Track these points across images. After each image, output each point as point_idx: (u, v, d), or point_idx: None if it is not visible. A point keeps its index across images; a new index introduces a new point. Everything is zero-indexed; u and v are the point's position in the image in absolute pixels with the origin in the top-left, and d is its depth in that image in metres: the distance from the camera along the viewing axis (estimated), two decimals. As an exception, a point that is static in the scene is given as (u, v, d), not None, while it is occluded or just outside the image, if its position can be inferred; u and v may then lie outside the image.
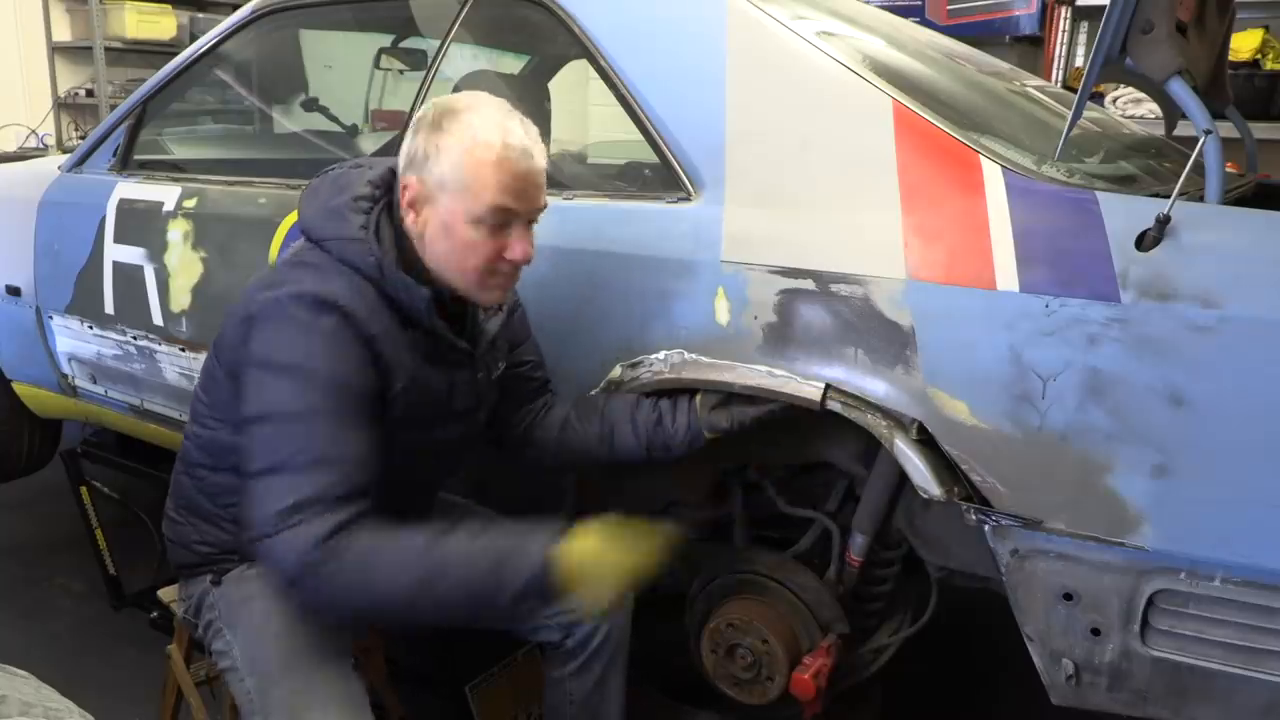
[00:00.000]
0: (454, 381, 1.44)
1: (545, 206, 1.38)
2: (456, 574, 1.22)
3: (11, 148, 4.87)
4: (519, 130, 1.32)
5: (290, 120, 3.13)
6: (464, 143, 1.30)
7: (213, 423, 1.45)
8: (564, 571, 1.21)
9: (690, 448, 1.55)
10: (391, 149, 1.99)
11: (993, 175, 1.37)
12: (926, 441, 1.37)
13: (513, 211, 1.32)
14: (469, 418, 1.50)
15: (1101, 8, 1.36)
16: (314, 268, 1.34)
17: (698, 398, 1.54)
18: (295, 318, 1.28)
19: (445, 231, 1.33)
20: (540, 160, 1.34)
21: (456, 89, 2.13)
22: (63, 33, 5.13)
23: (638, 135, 1.65)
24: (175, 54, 2.41)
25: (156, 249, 2.21)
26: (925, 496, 1.36)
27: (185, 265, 2.16)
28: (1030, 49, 4.07)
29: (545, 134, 2.39)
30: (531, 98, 2.40)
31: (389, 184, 1.41)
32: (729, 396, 1.52)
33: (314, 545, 1.20)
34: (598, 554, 1.23)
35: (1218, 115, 1.58)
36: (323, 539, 1.20)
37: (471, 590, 1.22)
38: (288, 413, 1.26)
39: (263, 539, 1.23)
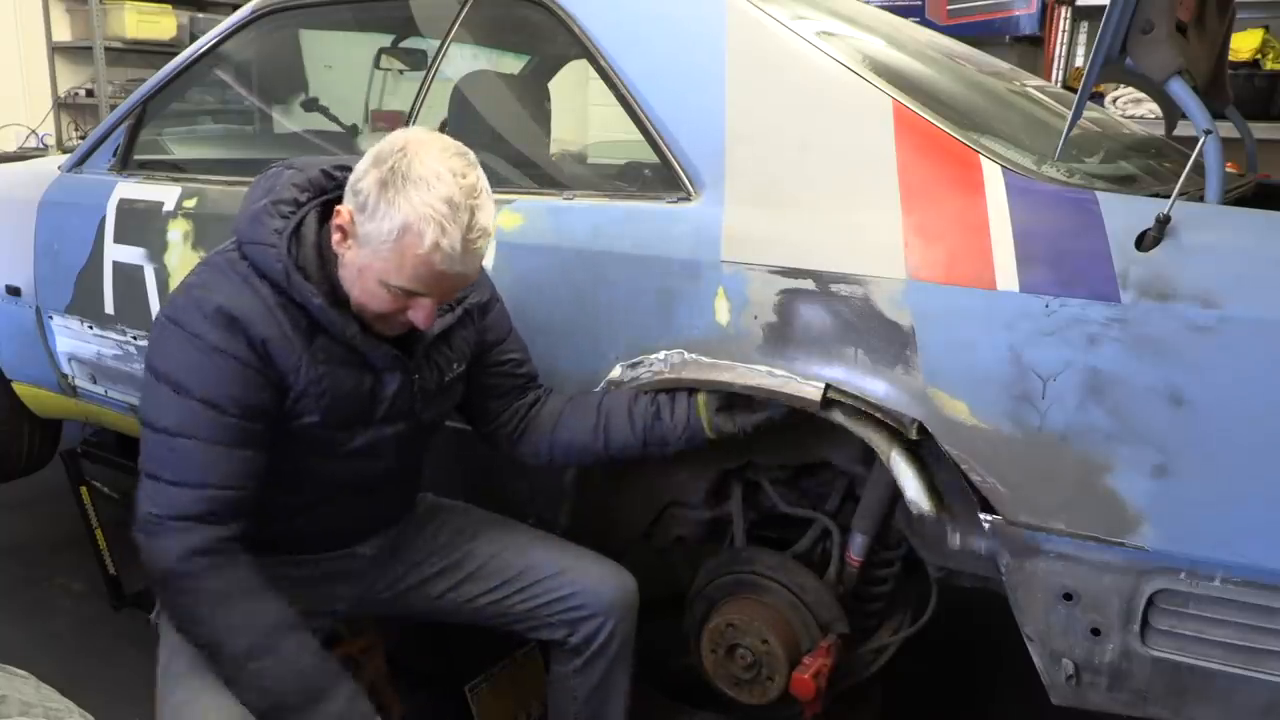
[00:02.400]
0: (380, 383, 1.41)
1: (465, 293, 1.42)
2: (275, 670, 1.28)
3: (11, 148, 4.87)
4: (457, 236, 1.25)
5: (290, 120, 3.13)
6: (401, 219, 1.24)
7: None
8: None
9: (688, 445, 1.54)
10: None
11: (993, 175, 1.37)
12: (920, 457, 1.39)
13: (420, 294, 1.31)
14: (405, 419, 1.46)
15: (1101, 8, 1.36)
16: (219, 269, 1.35)
17: (699, 395, 1.53)
18: (186, 324, 1.31)
19: (358, 273, 1.31)
20: (471, 270, 1.31)
21: (456, 89, 2.13)
22: (63, 33, 5.13)
23: (638, 135, 1.65)
24: (175, 54, 2.40)
25: (156, 249, 2.21)
26: (916, 511, 1.38)
27: (185, 265, 2.16)
28: (1030, 49, 4.07)
29: (545, 134, 2.41)
30: (531, 98, 2.40)
31: (321, 187, 1.40)
32: (730, 399, 1.51)
33: (173, 557, 1.27)
34: None
35: (1218, 115, 1.58)
36: (176, 555, 1.27)
37: (274, 697, 1.28)
38: (160, 426, 1.30)
39: (135, 534, 1.31)
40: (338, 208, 1.32)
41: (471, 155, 1.32)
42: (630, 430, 1.54)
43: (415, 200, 1.24)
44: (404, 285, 1.29)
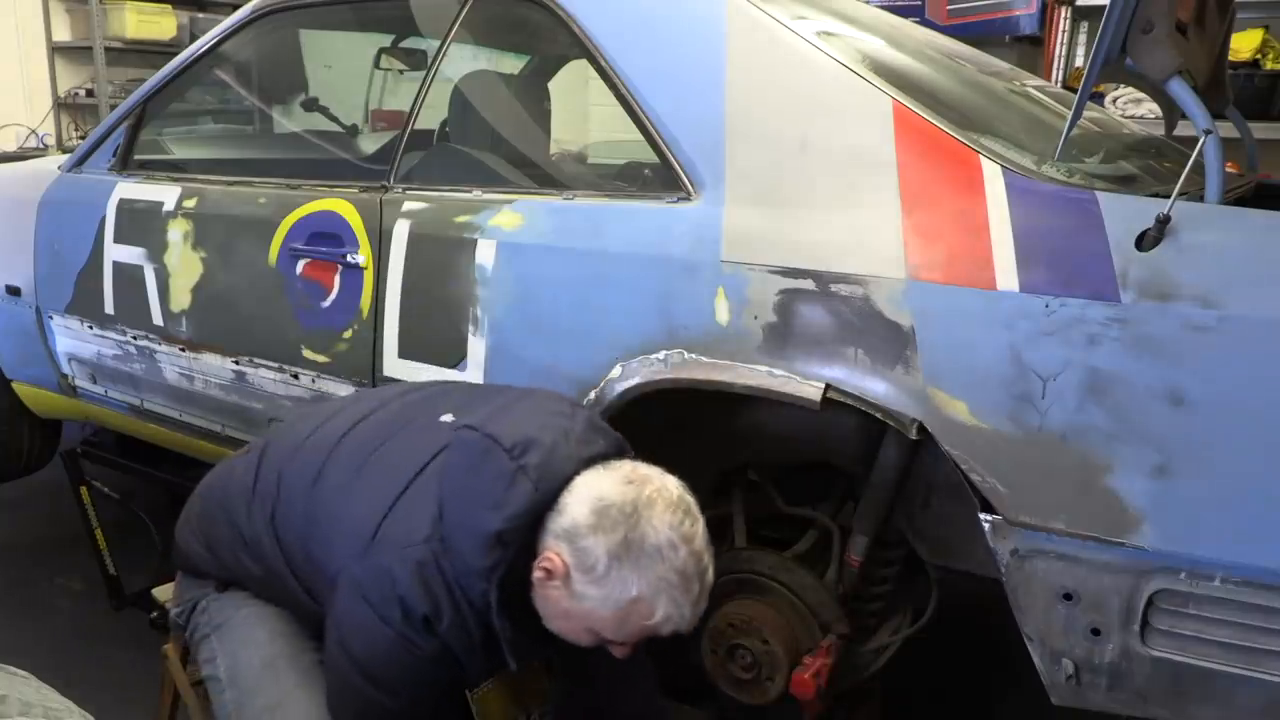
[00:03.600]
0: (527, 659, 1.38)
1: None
2: None
3: (11, 148, 4.87)
4: (686, 609, 1.24)
5: (290, 120, 3.14)
6: (635, 593, 1.21)
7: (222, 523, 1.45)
8: None
9: None
10: (391, 149, 1.99)
11: (993, 175, 1.37)
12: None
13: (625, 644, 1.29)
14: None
15: (1101, 8, 1.36)
16: (428, 583, 1.25)
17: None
18: (398, 630, 1.24)
19: (565, 615, 1.27)
20: (686, 624, 1.26)
21: (456, 89, 2.13)
22: (63, 33, 5.13)
23: (638, 135, 1.65)
24: (175, 54, 2.41)
25: (156, 249, 2.21)
26: None
27: (185, 265, 2.16)
28: (1030, 49, 4.07)
29: (545, 134, 2.41)
30: (531, 98, 2.40)
31: (533, 523, 1.26)
32: None
33: None
34: None
35: (1218, 115, 1.58)
36: None
37: None
38: (343, 690, 1.29)
39: None
40: (550, 554, 1.24)
41: (694, 506, 1.27)
42: None
43: (649, 575, 1.21)
44: (617, 639, 1.27)
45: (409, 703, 1.27)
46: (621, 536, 1.21)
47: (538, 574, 1.26)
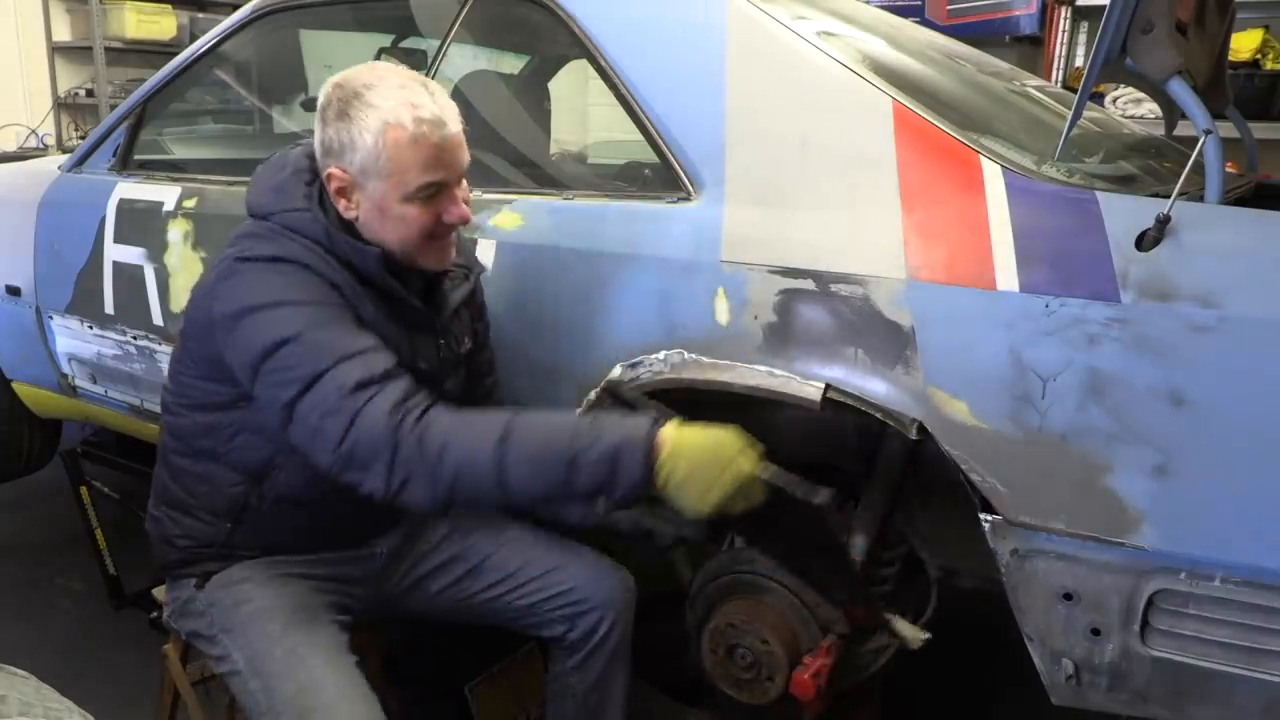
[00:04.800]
0: (414, 341, 1.43)
1: (468, 164, 1.38)
2: (538, 431, 1.22)
3: (11, 148, 4.87)
4: (427, 100, 1.31)
5: (290, 120, 3.13)
6: (375, 127, 1.29)
7: (180, 409, 1.46)
8: (668, 443, 1.19)
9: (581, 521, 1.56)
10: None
11: (993, 175, 1.37)
12: None
13: (441, 182, 1.33)
14: (432, 383, 1.42)
15: (1101, 8, 1.36)
16: (261, 236, 1.36)
17: None
18: (255, 269, 1.32)
19: (380, 213, 1.34)
20: (454, 124, 1.34)
21: (457, 89, 2.13)
22: (63, 33, 5.13)
23: (638, 135, 1.65)
24: (175, 54, 2.41)
25: (156, 249, 2.21)
26: None
27: (185, 265, 2.16)
28: (1030, 49, 4.07)
29: (545, 134, 2.41)
30: (531, 98, 2.40)
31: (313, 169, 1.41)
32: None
33: (385, 416, 1.22)
34: (708, 436, 1.21)
35: (1218, 115, 1.58)
36: (394, 404, 1.23)
37: (555, 449, 1.20)
38: (289, 336, 1.27)
39: (339, 446, 1.23)
40: (326, 175, 1.35)
41: (388, 63, 1.39)
42: None
43: (377, 103, 1.30)
44: (420, 181, 1.31)
45: (321, 303, 1.30)
46: (335, 108, 1.32)
47: (341, 205, 1.35)
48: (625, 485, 1.20)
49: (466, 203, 1.38)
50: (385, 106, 1.30)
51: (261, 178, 1.43)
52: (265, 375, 1.28)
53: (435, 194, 1.34)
